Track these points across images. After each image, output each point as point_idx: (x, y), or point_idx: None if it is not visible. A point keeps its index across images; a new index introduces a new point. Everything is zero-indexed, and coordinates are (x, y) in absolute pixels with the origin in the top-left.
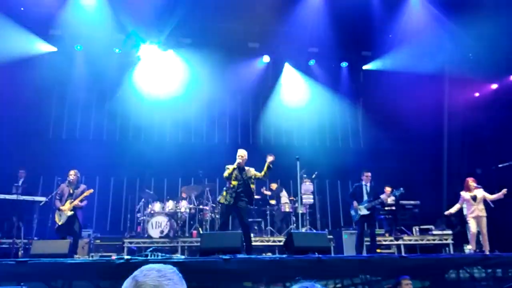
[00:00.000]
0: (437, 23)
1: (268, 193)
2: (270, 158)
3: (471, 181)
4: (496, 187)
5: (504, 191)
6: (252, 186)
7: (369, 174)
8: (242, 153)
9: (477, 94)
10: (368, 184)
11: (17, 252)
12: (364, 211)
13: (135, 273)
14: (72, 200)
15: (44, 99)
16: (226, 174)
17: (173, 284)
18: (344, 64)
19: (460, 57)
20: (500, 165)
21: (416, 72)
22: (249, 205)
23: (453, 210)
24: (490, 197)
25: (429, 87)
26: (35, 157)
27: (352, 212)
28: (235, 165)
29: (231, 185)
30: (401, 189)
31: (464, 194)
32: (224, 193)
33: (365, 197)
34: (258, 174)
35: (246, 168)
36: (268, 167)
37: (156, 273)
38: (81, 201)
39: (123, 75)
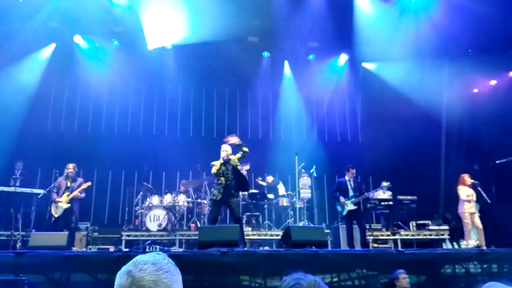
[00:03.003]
0: (437, 18)
1: (264, 183)
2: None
3: (467, 177)
4: (493, 183)
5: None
6: (241, 171)
7: (354, 171)
8: (226, 148)
9: (476, 90)
10: (352, 180)
11: (15, 244)
12: (351, 206)
13: (129, 267)
14: (69, 193)
15: (43, 92)
16: (214, 170)
17: (171, 276)
18: (343, 59)
19: (459, 53)
20: (497, 161)
21: (415, 68)
22: (245, 191)
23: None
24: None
25: (428, 83)
26: (33, 150)
27: (339, 208)
28: (221, 161)
29: (219, 182)
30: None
31: (466, 190)
32: (213, 189)
33: (351, 192)
34: (239, 155)
35: (231, 158)
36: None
37: (152, 267)
38: (80, 192)
39: (122, 68)
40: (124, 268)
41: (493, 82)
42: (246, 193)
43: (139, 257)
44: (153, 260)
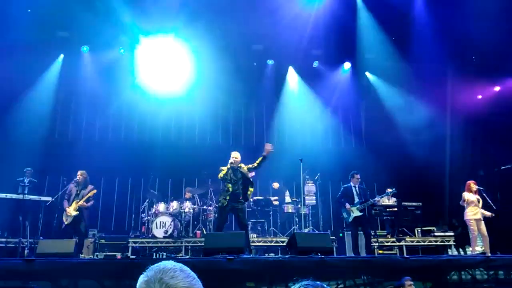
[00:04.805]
0: (439, 25)
1: (276, 198)
2: (267, 147)
3: (472, 184)
4: (498, 189)
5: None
6: (249, 185)
7: (359, 176)
8: (235, 155)
9: (480, 96)
10: (357, 186)
11: (23, 252)
12: (356, 213)
13: (157, 275)
14: (78, 201)
15: (50, 99)
16: (221, 175)
17: (198, 283)
18: (346, 66)
19: (463, 60)
20: (502, 167)
21: (418, 74)
22: (244, 200)
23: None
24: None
25: (432, 89)
26: (41, 158)
27: (344, 214)
28: (228, 166)
29: (226, 188)
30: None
31: (469, 196)
32: (219, 196)
33: (356, 199)
34: (252, 165)
35: (240, 165)
36: (263, 157)
37: (182, 274)
38: (87, 201)
39: (128, 76)
40: (149, 277)
41: (497, 88)
42: (251, 199)
43: (162, 265)
44: (179, 267)
